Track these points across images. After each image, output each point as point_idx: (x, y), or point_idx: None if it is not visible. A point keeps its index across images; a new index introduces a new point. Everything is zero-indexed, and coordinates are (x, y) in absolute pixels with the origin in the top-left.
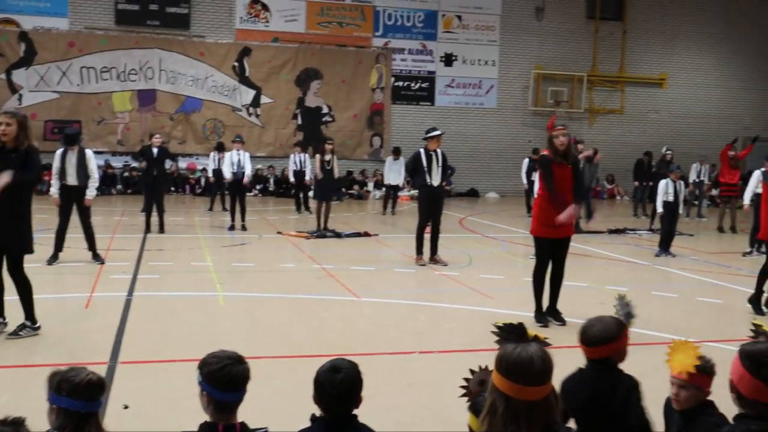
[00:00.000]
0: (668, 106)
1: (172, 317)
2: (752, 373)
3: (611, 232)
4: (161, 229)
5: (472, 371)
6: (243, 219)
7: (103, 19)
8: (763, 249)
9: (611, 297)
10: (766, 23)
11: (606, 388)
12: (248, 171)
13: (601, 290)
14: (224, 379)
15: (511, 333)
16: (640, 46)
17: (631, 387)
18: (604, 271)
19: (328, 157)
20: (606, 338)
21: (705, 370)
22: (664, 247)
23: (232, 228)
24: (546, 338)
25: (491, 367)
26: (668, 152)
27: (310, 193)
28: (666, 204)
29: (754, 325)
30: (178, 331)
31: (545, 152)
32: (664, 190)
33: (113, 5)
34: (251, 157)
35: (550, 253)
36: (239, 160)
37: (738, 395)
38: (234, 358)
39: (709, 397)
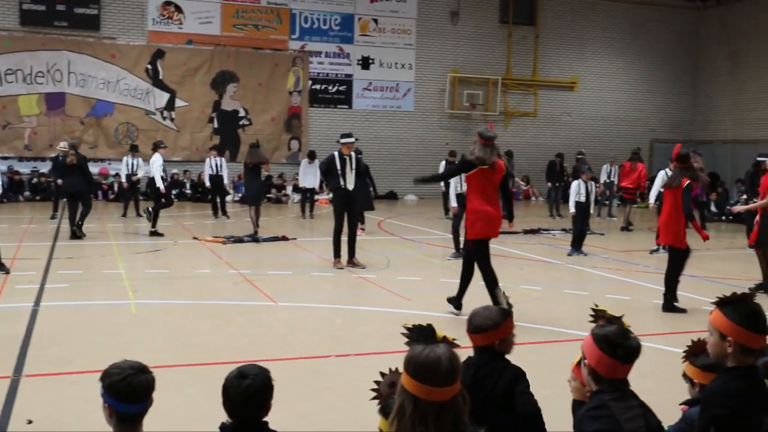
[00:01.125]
0: (579, 108)
1: (82, 327)
2: (609, 354)
3: (526, 232)
4: (74, 235)
5: (382, 374)
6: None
7: (6, 19)
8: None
9: (526, 296)
10: (669, 29)
11: (487, 376)
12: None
13: (516, 290)
14: (126, 390)
15: (420, 334)
16: (552, 51)
17: (515, 376)
18: (519, 270)
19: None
20: (487, 326)
21: None
22: (577, 246)
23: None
24: (455, 339)
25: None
26: (581, 156)
27: (228, 198)
28: (578, 204)
29: (594, 310)
30: (88, 341)
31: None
32: (576, 190)
33: (17, 5)
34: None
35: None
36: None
37: (595, 376)
38: (136, 368)
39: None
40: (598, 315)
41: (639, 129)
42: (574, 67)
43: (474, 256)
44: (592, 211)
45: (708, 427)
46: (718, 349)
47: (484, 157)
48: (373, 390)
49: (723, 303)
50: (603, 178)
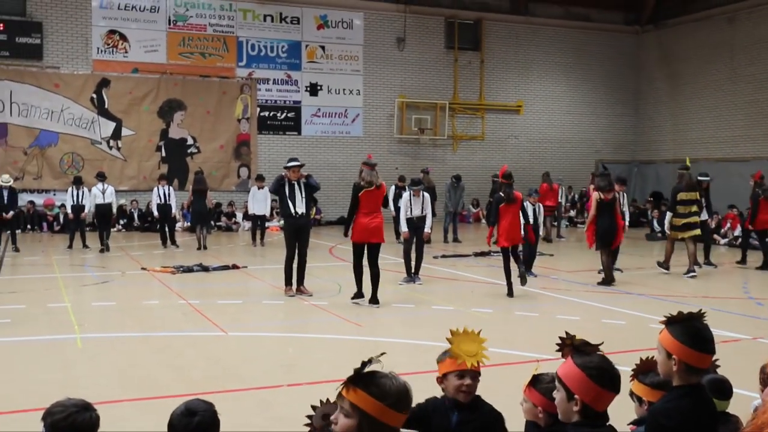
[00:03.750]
0: (526, 131)
1: (25, 364)
2: (608, 388)
3: (477, 255)
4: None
5: (313, 407)
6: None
7: None
8: (617, 265)
9: (477, 319)
10: (610, 52)
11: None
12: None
13: (467, 313)
14: (69, 429)
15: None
16: (498, 75)
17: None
18: (470, 294)
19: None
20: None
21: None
22: (527, 267)
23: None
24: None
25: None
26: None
27: (177, 226)
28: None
29: (562, 339)
30: (32, 378)
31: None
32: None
33: None
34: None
35: (362, 254)
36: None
37: (586, 411)
38: (80, 406)
39: None
40: (565, 344)
41: (584, 150)
42: (520, 91)
43: (354, 254)
44: (540, 233)
45: None
46: (665, 367)
47: (372, 180)
48: (307, 425)
49: (670, 322)
50: None
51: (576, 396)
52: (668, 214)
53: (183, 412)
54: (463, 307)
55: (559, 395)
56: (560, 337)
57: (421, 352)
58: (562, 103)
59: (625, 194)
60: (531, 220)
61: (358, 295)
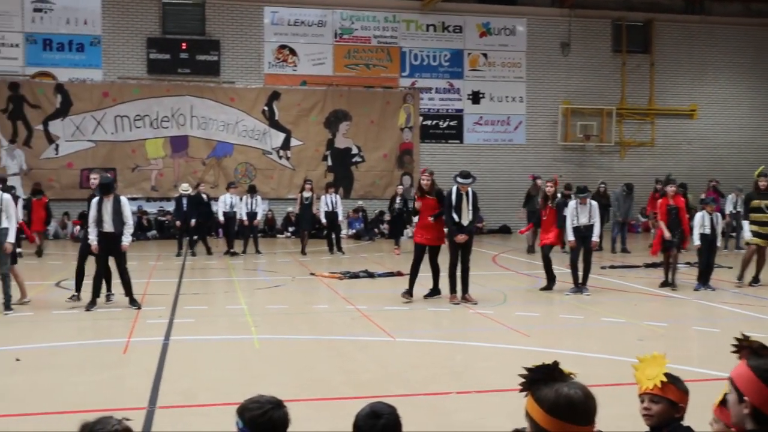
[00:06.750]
0: (700, 137)
1: (209, 361)
2: None
3: (648, 266)
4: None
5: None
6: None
7: (135, 69)
8: None
9: (651, 332)
10: None
11: None
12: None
13: (640, 326)
14: (267, 425)
15: (543, 374)
16: (669, 78)
17: None
18: (643, 306)
19: (308, 194)
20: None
21: (675, 382)
22: (704, 280)
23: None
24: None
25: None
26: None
27: (343, 233)
28: (703, 237)
29: (739, 339)
30: (215, 375)
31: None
32: (700, 222)
33: (145, 55)
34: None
35: (422, 254)
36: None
37: (758, 416)
38: (274, 403)
39: None
40: (743, 345)
41: (766, 157)
42: (693, 94)
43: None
44: (719, 244)
45: None
46: None
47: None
48: None
49: None
50: (729, 208)
51: (746, 398)
52: (746, 223)
53: (368, 414)
54: (635, 319)
55: (731, 397)
56: (736, 338)
57: (591, 365)
58: (740, 106)
59: None
60: (708, 231)
61: (435, 291)
